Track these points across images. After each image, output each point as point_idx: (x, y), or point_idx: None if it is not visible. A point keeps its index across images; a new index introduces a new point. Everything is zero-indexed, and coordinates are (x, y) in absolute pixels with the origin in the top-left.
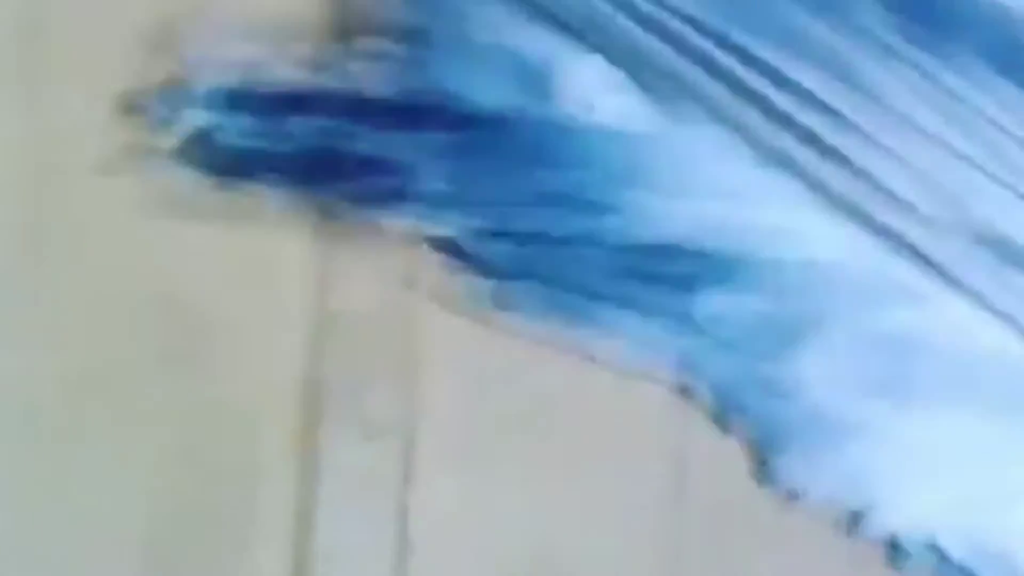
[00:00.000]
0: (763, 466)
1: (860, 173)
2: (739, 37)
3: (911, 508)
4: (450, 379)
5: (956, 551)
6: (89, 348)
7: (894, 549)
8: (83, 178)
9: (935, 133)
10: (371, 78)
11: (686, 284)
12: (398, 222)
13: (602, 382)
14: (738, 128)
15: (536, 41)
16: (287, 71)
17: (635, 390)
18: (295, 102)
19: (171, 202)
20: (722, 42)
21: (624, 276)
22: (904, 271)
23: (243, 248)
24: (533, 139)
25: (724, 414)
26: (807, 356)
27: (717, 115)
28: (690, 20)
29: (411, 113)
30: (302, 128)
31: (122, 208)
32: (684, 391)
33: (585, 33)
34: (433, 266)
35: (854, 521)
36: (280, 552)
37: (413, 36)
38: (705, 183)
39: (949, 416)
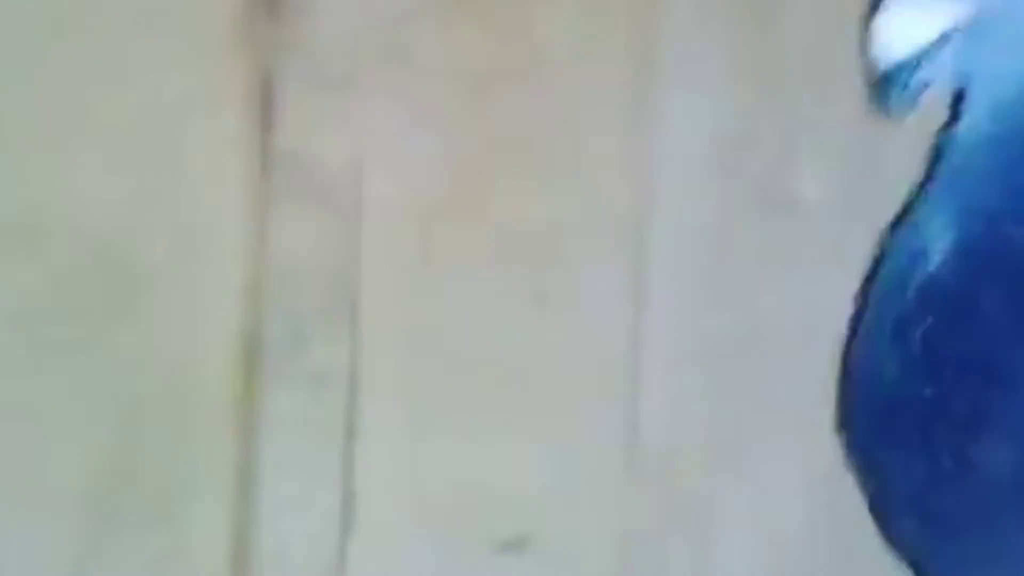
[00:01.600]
0: None
1: None
2: None
3: None
4: (393, 326)
5: None
6: (24, 301)
7: None
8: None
9: None
10: None
11: None
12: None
13: (550, 329)
14: None
15: None
16: None
17: (585, 338)
18: None
19: None
20: None
21: None
22: None
23: (178, 195)
24: None
25: None
26: None
27: None
28: None
29: None
30: None
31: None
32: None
33: None
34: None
35: None
36: (222, 505)
37: None
38: None
39: None
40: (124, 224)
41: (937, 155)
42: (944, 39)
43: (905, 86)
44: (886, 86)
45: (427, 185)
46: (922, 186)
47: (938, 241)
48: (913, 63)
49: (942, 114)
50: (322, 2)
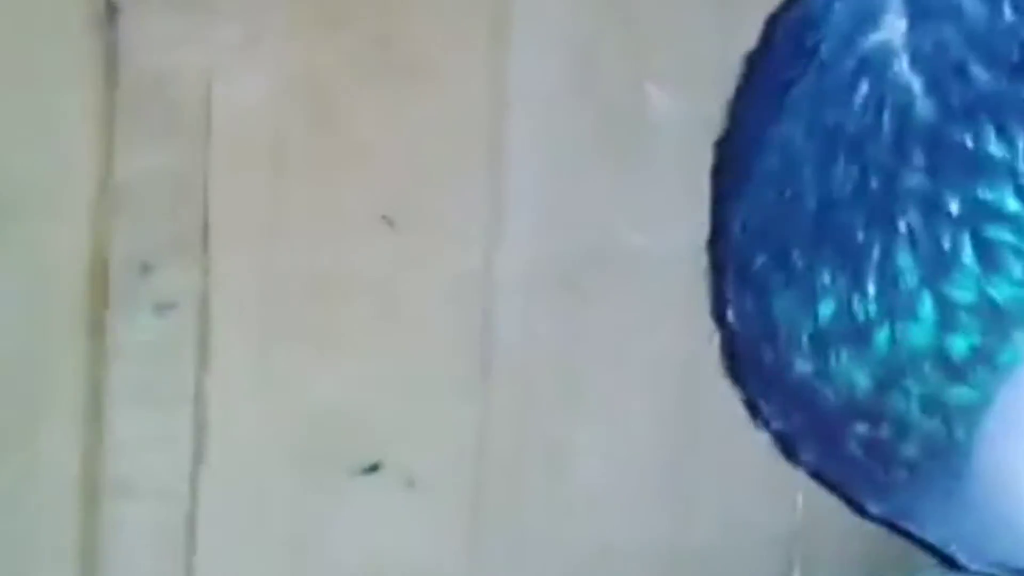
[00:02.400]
0: None
1: None
2: None
3: None
4: (244, 249)
5: None
6: None
7: None
8: None
9: None
10: None
11: None
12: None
13: (405, 247)
14: None
15: None
16: None
17: (439, 257)
18: None
19: None
20: None
21: None
22: None
23: (23, 118)
24: None
25: None
26: None
27: None
28: None
29: None
30: None
31: None
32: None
33: None
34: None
35: None
36: (71, 432)
37: None
38: None
39: None
40: None
41: None
42: None
43: None
44: None
45: (278, 104)
46: None
47: None
48: None
49: None
50: None
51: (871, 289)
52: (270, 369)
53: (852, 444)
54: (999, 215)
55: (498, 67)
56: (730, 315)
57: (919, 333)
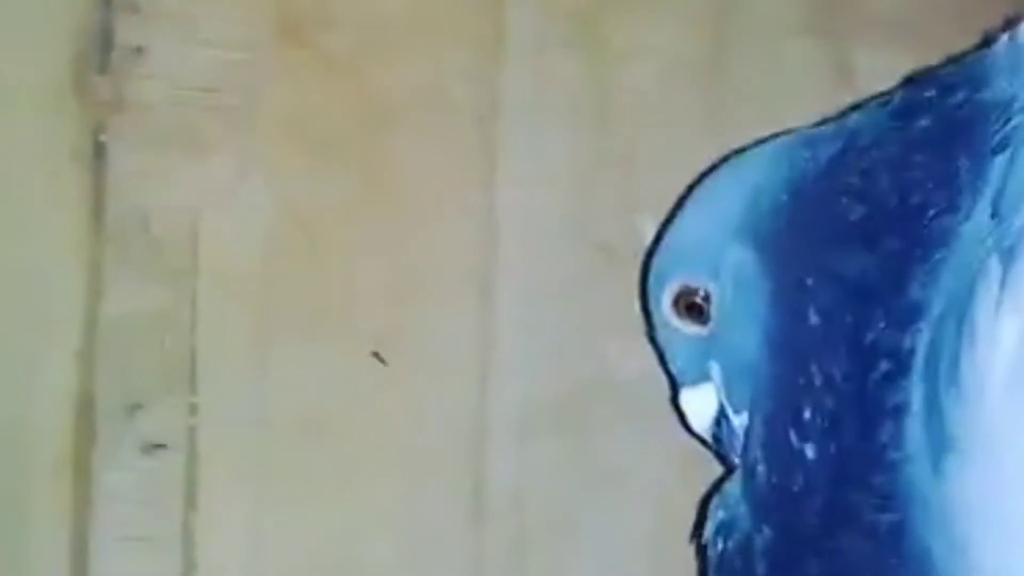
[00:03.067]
0: None
1: None
2: None
3: None
4: (232, 391)
5: None
6: None
7: None
8: None
9: None
10: None
11: None
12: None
13: (395, 391)
14: None
15: None
16: None
17: (430, 400)
18: None
19: None
20: None
21: None
22: None
23: (9, 256)
24: None
25: None
26: None
27: None
28: None
29: None
30: None
31: None
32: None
33: None
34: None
35: None
36: None
37: None
38: None
39: None
40: None
41: None
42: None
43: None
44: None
45: (267, 241)
46: None
47: None
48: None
49: None
50: (154, 58)
51: None
52: (260, 510)
53: None
54: None
55: (488, 202)
56: None
57: None
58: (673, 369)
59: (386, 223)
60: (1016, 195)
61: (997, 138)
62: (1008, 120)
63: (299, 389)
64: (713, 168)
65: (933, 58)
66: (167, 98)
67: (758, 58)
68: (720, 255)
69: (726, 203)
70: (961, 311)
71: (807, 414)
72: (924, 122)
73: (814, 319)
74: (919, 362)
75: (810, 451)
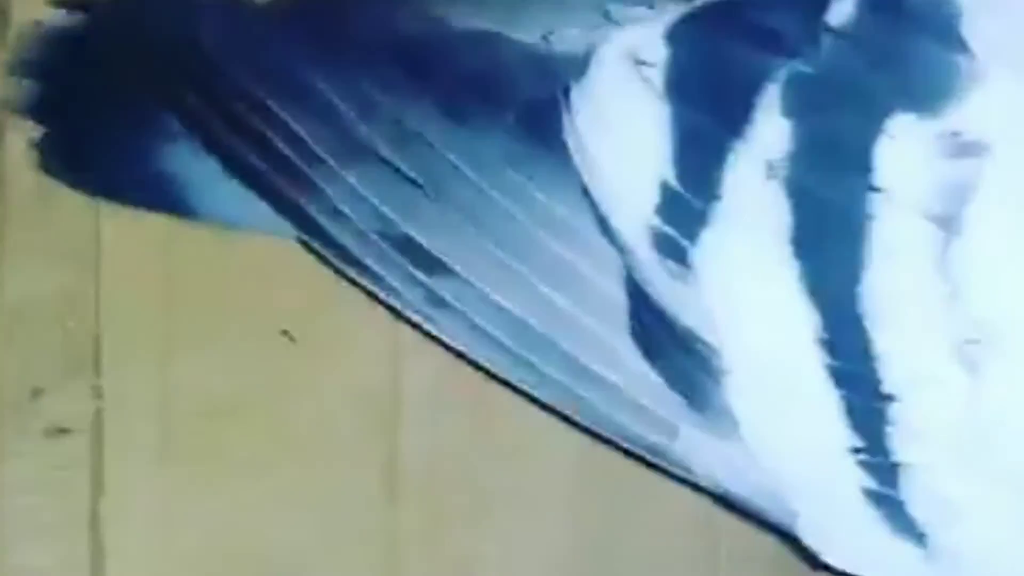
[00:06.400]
0: None
1: None
2: None
3: None
4: (137, 374)
5: None
6: None
7: None
8: None
9: None
10: None
11: None
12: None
13: (305, 363)
14: None
15: None
16: None
17: (342, 375)
18: None
19: None
20: None
21: None
22: None
23: None
24: None
25: None
26: None
27: None
28: None
29: None
30: None
31: None
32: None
33: None
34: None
35: None
36: None
37: None
38: None
39: None
40: None
41: None
42: None
43: None
44: None
45: (171, 221)
46: None
47: None
48: None
49: None
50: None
51: None
52: (169, 493)
53: None
54: None
55: None
56: None
57: None
58: None
59: None
60: None
61: None
62: None
63: (206, 369)
64: None
65: None
66: None
67: None
68: None
69: None
70: None
71: None
72: None
73: None
74: None
75: None
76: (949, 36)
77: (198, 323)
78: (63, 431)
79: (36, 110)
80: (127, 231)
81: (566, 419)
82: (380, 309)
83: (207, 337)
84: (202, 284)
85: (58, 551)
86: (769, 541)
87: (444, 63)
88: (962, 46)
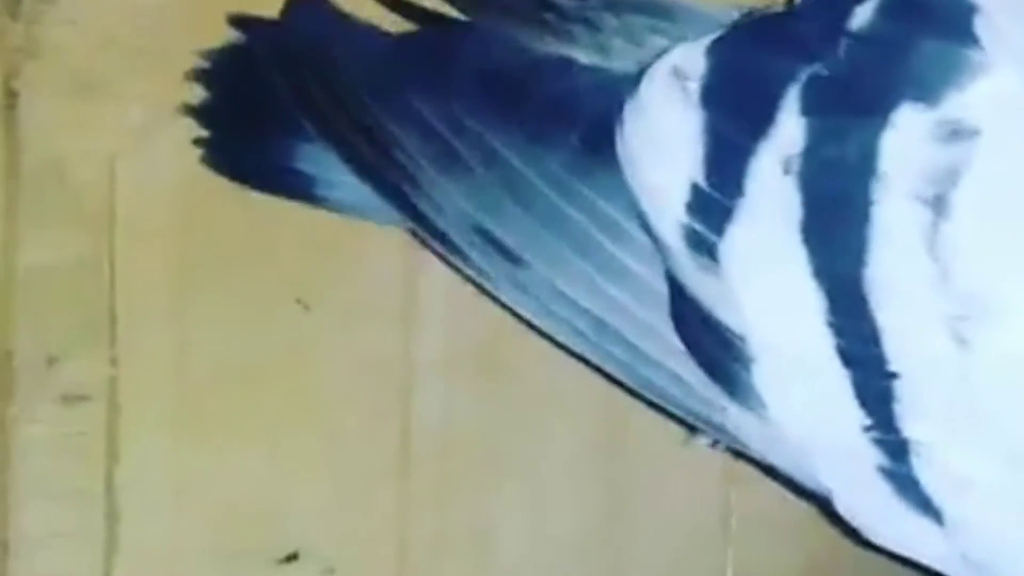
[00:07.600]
0: None
1: None
2: None
3: None
4: (152, 341)
5: None
6: None
7: None
8: None
9: None
10: None
11: None
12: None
13: (318, 331)
14: None
15: None
16: None
17: (355, 342)
18: None
19: None
20: None
21: None
22: None
23: None
24: None
25: None
26: None
27: None
28: None
29: None
30: None
31: None
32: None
33: None
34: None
35: None
36: None
37: None
38: None
39: None
40: None
41: None
42: None
43: None
44: None
45: (185, 189)
46: None
47: None
48: None
49: None
50: (66, 3)
51: None
52: (183, 458)
53: None
54: None
55: None
56: None
57: None
58: None
59: None
60: None
61: None
62: None
63: (221, 337)
64: None
65: None
66: (80, 44)
67: None
68: None
69: None
70: None
71: None
72: None
73: None
74: None
75: None
76: (961, 31)
77: (213, 291)
78: (79, 398)
79: (204, 113)
80: (142, 201)
81: (579, 387)
82: (393, 277)
83: (222, 305)
84: (217, 253)
85: (73, 518)
86: (781, 510)
87: (523, 90)
88: (973, 41)
